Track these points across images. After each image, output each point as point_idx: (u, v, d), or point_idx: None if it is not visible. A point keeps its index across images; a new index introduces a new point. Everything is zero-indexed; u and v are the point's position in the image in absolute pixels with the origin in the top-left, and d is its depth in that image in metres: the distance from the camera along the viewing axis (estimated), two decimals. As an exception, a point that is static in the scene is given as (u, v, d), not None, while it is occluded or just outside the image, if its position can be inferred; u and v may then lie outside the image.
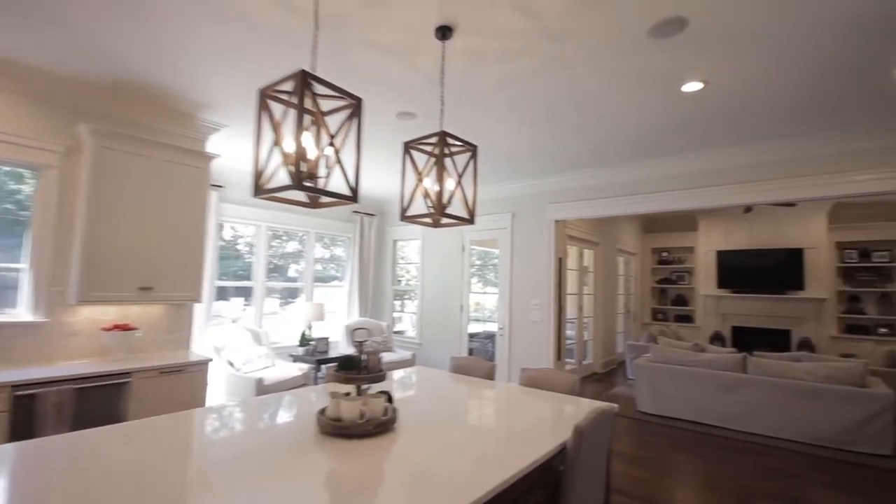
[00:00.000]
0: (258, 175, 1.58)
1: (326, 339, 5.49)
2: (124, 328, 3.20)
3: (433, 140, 2.11)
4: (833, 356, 4.81)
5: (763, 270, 7.92)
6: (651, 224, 9.63)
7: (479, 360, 2.99)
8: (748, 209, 6.52)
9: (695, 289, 8.96)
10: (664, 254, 9.50)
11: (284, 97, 1.63)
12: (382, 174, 5.30)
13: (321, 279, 6.59)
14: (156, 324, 3.48)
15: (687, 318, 9.03)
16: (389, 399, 1.90)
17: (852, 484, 3.26)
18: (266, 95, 1.62)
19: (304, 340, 5.13)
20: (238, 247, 5.66)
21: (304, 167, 1.57)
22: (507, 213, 5.60)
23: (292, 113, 1.56)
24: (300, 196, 1.81)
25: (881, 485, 3.26)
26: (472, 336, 6.26)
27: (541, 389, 2.61)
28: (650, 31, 2.28)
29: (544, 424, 2.00)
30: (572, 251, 6.83)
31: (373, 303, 6.82)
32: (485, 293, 7.00)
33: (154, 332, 3.47)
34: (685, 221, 9.10)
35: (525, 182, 5.37)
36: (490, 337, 6.38)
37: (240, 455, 1.54)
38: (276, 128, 1.58)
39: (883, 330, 7.27)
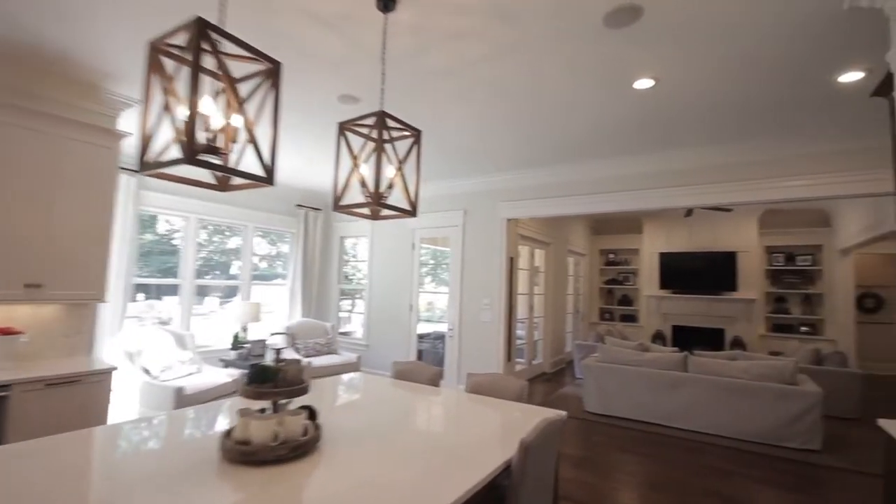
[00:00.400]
0: (144, 146, 1.28)
1: (263, 341, 5.08)
2: (5, 332, 2.71)
3: (371, 121, 1.88)
4: (764, 354, 5.02)
5: (701, 272, 8.29)
6: (600, 226, 9.86)
7: (422, 364, 2.78)
8: (689, 213, 6.78)
9: (639, 289, 9.26)
10: (611, 255, 9.76)
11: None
12: (328, 166, 4.97)
13: (264, 277, 6.13)
14: (48, 327, 2.98)
15: (631, 318, 9.31)
16: (312, 415, 1.65)
17: (786, 481, 3.36)
18: (157, 49, 1.32)
19: (237, 343, 4.70)
20: (174, 241, 5.12)
21: (203, 139, 1.29)
22: (458, 210, 5.44)
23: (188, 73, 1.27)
24: (206, 176, 1.52)
25: (812, 481, 3.38)
26: (422, 337, 6.06)
27: (488, 396, 2.44)
28: (605, 20, 2.17)
29: (490, 438, 1.83)
30: (524, 251, 6.79)
31: (317, 302, 6.44)
32: (437, 293, 6.82)
33: (46, 336, 2.97)
34: (631, 224, 9.38)
35: (478, 178, 5.23)
36: (441, 338, 6.20)
37: (115, 492, 1.24)
38: (168, 90, 1.29)
39: (805, 328, 7.82)
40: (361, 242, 6.73)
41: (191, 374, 4.13)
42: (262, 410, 1.51)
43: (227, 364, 4.65)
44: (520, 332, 6.81)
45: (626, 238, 9.48)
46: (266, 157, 1.37)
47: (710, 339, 8.26)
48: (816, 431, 3.89)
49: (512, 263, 5.86)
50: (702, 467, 3.55)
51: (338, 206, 1.92)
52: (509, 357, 5.83)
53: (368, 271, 6.23)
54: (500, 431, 1.93)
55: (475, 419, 2.08)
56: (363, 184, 1.89)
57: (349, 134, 1.97)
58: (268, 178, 1.41)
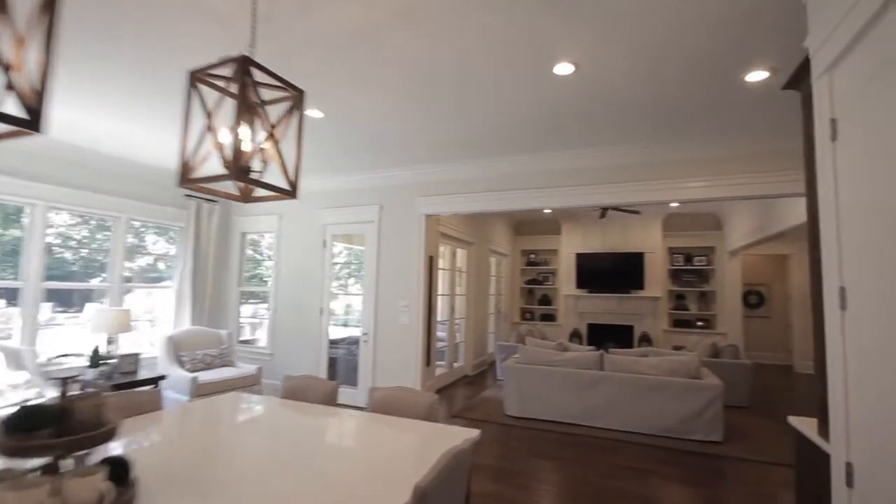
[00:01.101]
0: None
1: (136, 355, 4.27)
2: None
3: (229, 72, 1.43)
4: (669, 350, 5.18)
5: (613, 272, 8.67)
6: (521, 226, 9.97)
7: (317, 379, 2.35)
8: (603, 214, 7.01)
9: (558, 289, 9.49)
10: (532, 255, 9.91)
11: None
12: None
13: (149, 279, 5.22)
14: None
15: (551, 317, 9.51)
16: (121, 473, 1.15)
17: (693, 476, 3.40)
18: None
19: (97, 360, 3.86)
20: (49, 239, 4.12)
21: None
22: (374, 204, 5.03)
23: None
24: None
25: (716, 474, 3.46)
26: (335, 342, 5.54)
27: (393, 416, 2.08)
28: (524, -17, 1.92)
29: (383, 478, 1.47)
30: (445, 250, 6.54)
31: (211, 308, 5.64)
32: (353, 295, 6.32)
33: None
34: (551, 225, 9.59)
35: (394, 171, 4.86)
36: (357, 342, 5.73)
37: None
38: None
39: (700, 323, 8.48)
40: (267, 239, 6.04)
41: (26, 400, 3.27)
42: (32, 471, 1.01)
43: (84, 386, 3.80)
44: (441, 333, 6.55)
45: (545, 239, 9.67)
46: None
47: (621, 335, 8.65)
48: (718, 423, 4.05)
49: (432, 263, 5.57)
50: (618, 468, 3.50)
51: (186, 178, 1.45)
52: (429, 361, 5.53)
53: (274, 271, 5.57)
54: (397, 467, 1.58)
55: (370, 450, 1.71)
56: (221, 151, 1.44)
57: (205, 87, 1.50)
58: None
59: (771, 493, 3.13)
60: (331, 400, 2.24)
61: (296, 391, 2.32)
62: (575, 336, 8.77)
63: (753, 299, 9.20)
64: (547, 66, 2.61)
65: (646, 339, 8.28)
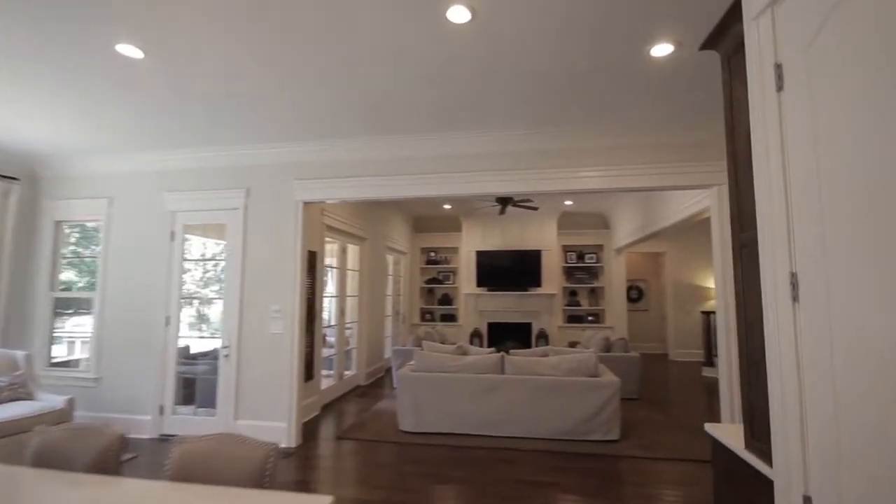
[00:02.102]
0: None
1: None
2: None
3: None
4: (569, 348, 5.08)
5: (512, 269, 8.62)
6: (420, 223, 9.52)
7: (89, 429, 1.53)
8: (503, 210, 6.86)
9: (459, 288, 9.22)
10: (432, 253, 9.51)
11: None
12: (42, 111, 3.12)
13: None
14: None
15: (452, 318, 9.20)
16: None
17: (594, 486, 3.17)
18: None
19: None
20: None
21: None
22: (239, 188, 4.12)
23: None
24: None
25: (616, 479, 3.28)
26: (193, 358, 4.46)
27: (203, 484, 1.37)
28: None
29: None
30: (334, 247, 5.79)
31: (6, 320, 4.20)
32: (215, 300, 5.25)
33: None
34: (451, 221, 9.29)
35: (264, 148, 4.01)
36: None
37: None
38: None
39: (591, 318, 8.83)
40: (101, 230, 4.71)
41: None
42: None
43: None
44: (331, 339, 5.78)
45: (446, 236, 9.35)
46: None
47: (520, 333, 8.65)
48: (615, 420, 3.94)
49: (315, 259, 4.80)
50: (518, 483, 3.14)
51: None
52: (311, 374, 4.74)
53: (101, 272, 4.32)
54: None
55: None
56: None
57: None
58: None
59: (668, 493, 3.01)
60: (103, 463, 1.44)
61: (53, 452, 1.47)
62: (476, 336, 8.55)
63: (634, 294, 9.88)
64: (439, 8, 2.10)
65: (543, 336, 8.36)
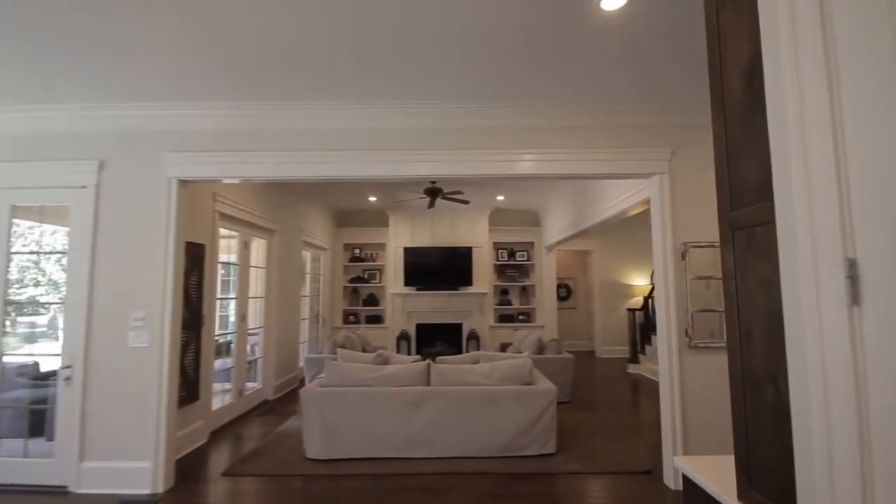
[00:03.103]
0: None
1: None
2: None
3: None
4: (499, 353, 4.71)
5: (442, 267, 8.17)
6: (344, 217, 8.74)
7: None
8: (431, 203, 6.36)
9: (385, 287, 8.58)
10: (357, 250, 8.78)
11: None
12: None
13: None
14: None
15: (378, 319, 8.54)
16: None
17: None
18: None
19: None
20: None
21: None
22: (87, 160, 3.17)
23: None
24: None
25: (549, 500, 2.89)
26: (44, 378, 3.39)
27: None
28: None
29: None
30: (232, 241, 4.91)
31: None
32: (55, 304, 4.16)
33: None
34: (376, 216, 8.63)
35: (124, 108, 3.12)
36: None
37: None
38: None
39: (522, 317, 8.64)
40: None
41: None
42: None
43: None
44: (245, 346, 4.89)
45: (371, 232, 8.66)
46: None
47: (449, 334, 8.22)
48: (551, 432, 3.59)
49: (202, 253, 3.95)
50: (446, 521, 2.63)
51: None
52: (193, 395, 3.89)
53: None
54: None
55: None
56: None
57: None
58: None
59: (613, 519, 2.67)
60: None
61: None
62: (403, 339, 7.97)
63: (563, 292, 9.90)
64: None
65: (474, 338, 7.99)
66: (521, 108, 3.18)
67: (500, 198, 7.49)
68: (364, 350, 5.78)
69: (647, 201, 4.17)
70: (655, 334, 7.10)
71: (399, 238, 8.33)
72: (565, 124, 3.24)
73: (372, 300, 8.64)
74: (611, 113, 3.21)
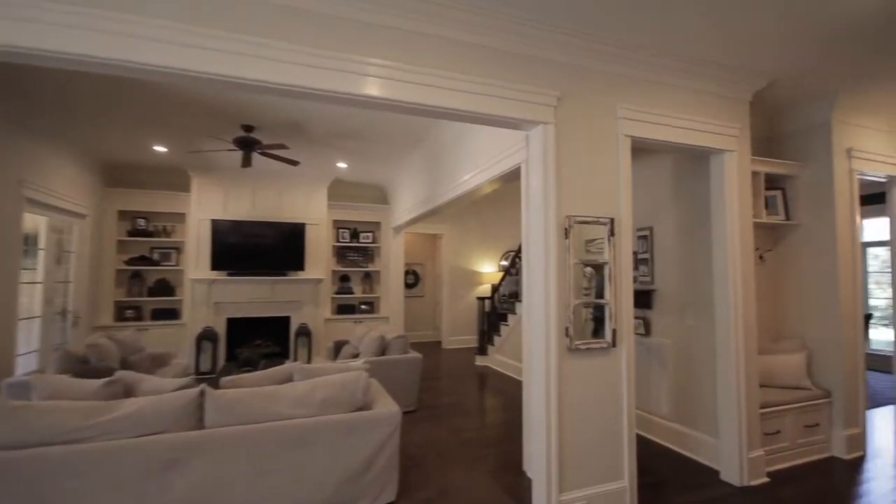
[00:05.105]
0: None
1: None
2: None
3: None
4: (325, 365, 3.55)
5: (266, 248, 6.52)
6: (118, 174, 6.29)
7: None
8: (246, 161, 4.73)
9: (184, 271, 6.49)
10: (141, 221, 6.43)
11: None
12: None
13: None
14: None
15: (171, 314, 6.40)
16: None
17: None
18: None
19: None
20: None
21: None
22: None
23: None
24: None
25: None
26: None
27: None
28: None
29: None
30: None
31: None
32: None
33: None
34: (172, 175, 6.44)
35: None
36: None
37: None
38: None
39: (364, 307, 7.54)
40: None
41: None
42: None
43: None
44: None
45: (164, 197, 6.44)
46: None
47: (274, 330, 6.64)
48: (392, 472, 2.59)
49: None
50: None
51: None
52: None
53: None
54: None
55: None
56: None
57: None
58: None
59: None
60: None
61: None
62: (207, 339, 6.08)
63: (410, 279, 9.14)
64: None
65: (305, 334, 6.58)
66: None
67: (342, 165, 6.20)
68: (126, 363, 3.92)
69: (506, 176, 3.50)
70: (506, 323, 6.87)
71: (207, 208, 6.35)
72: (429, 32, 2.22)
73: (163, 288, 6.45)
74: (491, 30, 2.30)
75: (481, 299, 7.21)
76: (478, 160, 3.90)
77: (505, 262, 8.49)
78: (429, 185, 5.41)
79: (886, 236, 4.00)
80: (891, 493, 2.69)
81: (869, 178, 3.67)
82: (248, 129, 4.54)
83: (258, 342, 6.45)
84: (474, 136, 3.99)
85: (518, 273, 7.04)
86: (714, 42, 2.53)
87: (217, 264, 6.23)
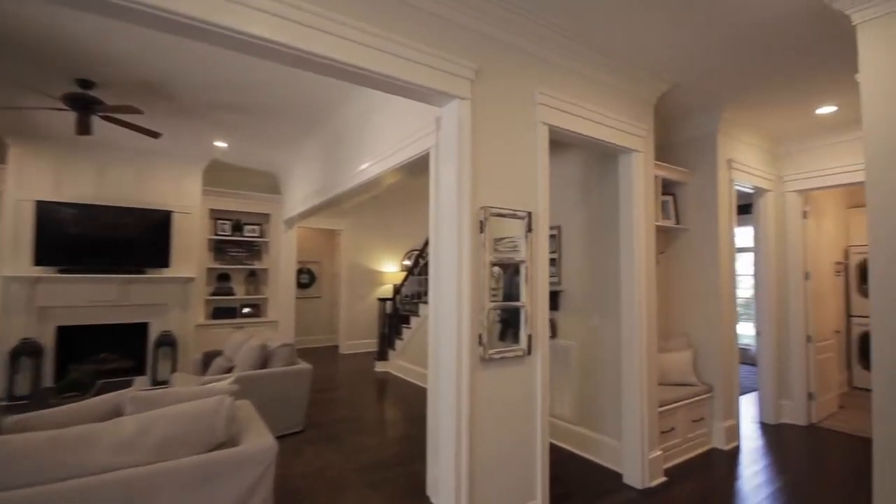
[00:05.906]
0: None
1: None
2: None
3: None
4: (174, 390, 2.88)
5: (117, 239, 5.31)
6: None
7: None
8: (83, 127, 3.65)
9: (-6, 268, 4.99)
10: (-77, 199, 4.79)
11: None
12: None
13: None
14: None
15: (-30, 323, 4.86)
16: None
17: None
18: None
19: None
20: None
21: None
22: None
23: None
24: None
25: None
26: None
27: None
28: None
29: None
30: None
31: None
32: None
33: None
34: (-23, 142, 4.93)
35: None
36: None
37: None
38: None
39: (248, 310, 6.60)
40: None
41: None
42: None
43: None
44: None
45: (-36, 169, 4.89)
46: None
47: (128, 340, 5.46)
48: (264, 522, 2.04)
49: None
50: None
51: None
52: None
53: None
54: None
55: None
56: None
57: None
58: None
59: None
60: None
61: None
62: (27, 355, 4.72)
63: (305, 279, 8.31)
64: None
65: (168, 344, 5.49)
66: None
67: (221, 144, 5.28)
68: None
69: (409, 167, 3.15)
70: (409, 326, 6.49)
71: (30, 186, 4.97)
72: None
73: (-41, 290, 4.87)
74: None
75: (383, 300, 6.74)
76: (379, 148, 3.47)
77: (408, 262, 8.13)
78: (326, 173, 4.82)
79: (750, 243, 4.45)
80: (765, 485, 2.87)
81: (741, 188, 4.02)
82: (86, 84, 3.53)
83: (103, 356, 5.26)
84: (376, 122, 3.56)
85: (421, 273, 6.72)
86: (622, 37, 2.45)
87: (44, 258, 4.89)
